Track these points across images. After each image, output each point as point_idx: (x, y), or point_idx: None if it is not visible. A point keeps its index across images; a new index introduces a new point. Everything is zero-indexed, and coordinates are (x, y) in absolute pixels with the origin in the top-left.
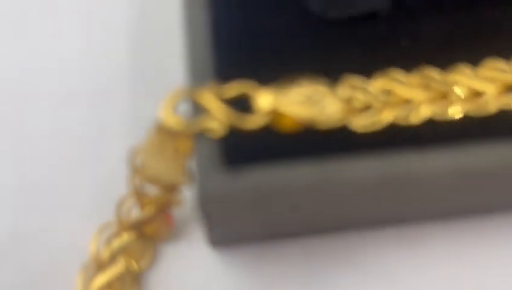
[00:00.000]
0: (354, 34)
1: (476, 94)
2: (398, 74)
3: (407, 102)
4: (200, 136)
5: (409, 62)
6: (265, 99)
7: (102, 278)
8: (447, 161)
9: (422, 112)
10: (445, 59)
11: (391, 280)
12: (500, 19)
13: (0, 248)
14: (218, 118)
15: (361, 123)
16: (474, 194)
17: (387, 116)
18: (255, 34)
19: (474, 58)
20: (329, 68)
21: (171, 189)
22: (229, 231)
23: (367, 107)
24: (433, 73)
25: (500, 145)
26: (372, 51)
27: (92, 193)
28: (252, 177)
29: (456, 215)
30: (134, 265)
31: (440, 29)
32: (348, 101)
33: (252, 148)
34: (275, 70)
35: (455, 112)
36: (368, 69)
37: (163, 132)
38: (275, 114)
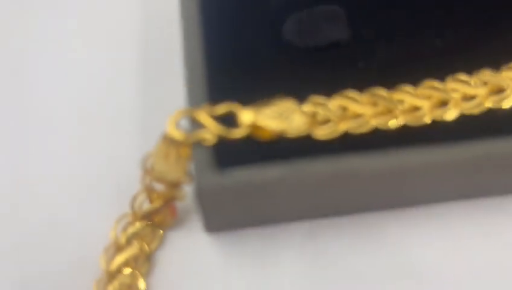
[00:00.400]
0: (320, 59)
1: (415, 108)
2: (352, 93)
3: (359, 116)
4: (197, 144)
5: (364, 82)
6: (246, 116)
7: (120, 258)
8: (388, 161)
9: (371, 124)
10: (393, 79)
11: (351, 264)
12: (437, 47)
13: (38, 233)
14: (210, 131)
15: (321, 133)
16: (411, 188)
17: (342, 128)
18: (241, 63)
19: (416, 79)
20: (300, 87)
21: (174, 186)
22: (220, 219)
23: (327, 121)
24: (381, 92)
25: (430, 149)
26: (334, 73)
27: (112, 191)
28: (237, 176)
29: (400, 206)
30: (146, 247)
31: (389, 55)
32: (312, 116)
33: (236, 153)
34: (257, 91)
35: (393, 123)
36: (330, 88)
37: (168, 142)
38: (254, 127)
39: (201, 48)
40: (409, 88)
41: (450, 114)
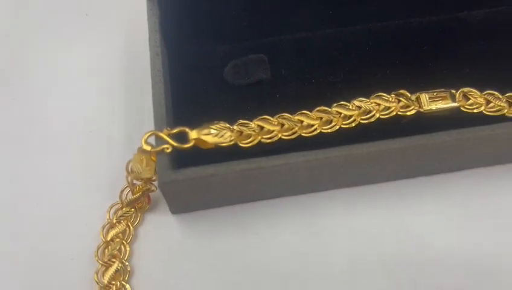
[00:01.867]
0: (248, 93)
1: (310, 125)
2: (267, 117)
3: (270, 132)
4: (160, 153)
5: (279, 108)
6: (192, 134)
7: (113, 232)
8: (288, 160)
9: (278, 137)
10: (300, 106)
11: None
12: (331, 82)
13: (57, 217)
14: (168, 144)
15: (245, 143)
16: (305, 179)
17: (258, 140)
18: (192, 99)
19: (315, 105)
20: (234, 113)
21: (148, 182)
22: (180, 204)
23: (249, 136)
24: (286, 115)
25: (317, 152)
26: (258, 102)
27: (107, 187)
28: (186, 173)
29: (304, 192)
30: (130, 225)
31: (298, 88)
32: (240, 133)
33: (186, 158)
34: (204, 117)
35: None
36: (256, 113)
37: (142, 152)
38: (198, 140)
39: (164, 91)
40: (306, 112)
41: (333, 128)
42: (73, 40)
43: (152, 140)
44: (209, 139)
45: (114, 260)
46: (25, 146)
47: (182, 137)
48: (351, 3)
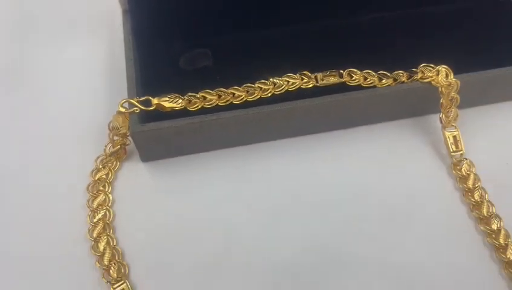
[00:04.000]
0: (197, 75)
1: (239, 96)
2: (208, 90)
3: (211, 100)
4: (132, 113)
5: (219, 85)
6: (154, 100)
7: (99, 174)
8: (222, 117)
9: (216, 104)
10: (235, 84)
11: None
12: (260, 68)
13: (54, 164)
14: (137, 107)
15: (192, 108)
16: (249, 132)
17: (202, 105)
18: (155, 80)
19: (244, 82)
20: (186, 88)
21: (124, 137)
22: (148, 152)
23: (195, 103)
24: (222, 89)
25: (244, 110)
26: (204, 83)
27: (95, 142)
28: (150, 126)
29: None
30: (112, 170)
31: (234, 72)
32: (189, 101)
33: (150, 117)
34: (164, 91)
35: (226, 103)
36: (201, 88)
37: (119, 113)
38: (158, 105)
39: (134, 73)
40: (237, 87)
41: (255, 98)
42: (73, 39)
43: (127, 106)
44: (166, 104)
45: (100, 192)
46: (37, 122)
47: (148, 104)
48: (272, 9)
